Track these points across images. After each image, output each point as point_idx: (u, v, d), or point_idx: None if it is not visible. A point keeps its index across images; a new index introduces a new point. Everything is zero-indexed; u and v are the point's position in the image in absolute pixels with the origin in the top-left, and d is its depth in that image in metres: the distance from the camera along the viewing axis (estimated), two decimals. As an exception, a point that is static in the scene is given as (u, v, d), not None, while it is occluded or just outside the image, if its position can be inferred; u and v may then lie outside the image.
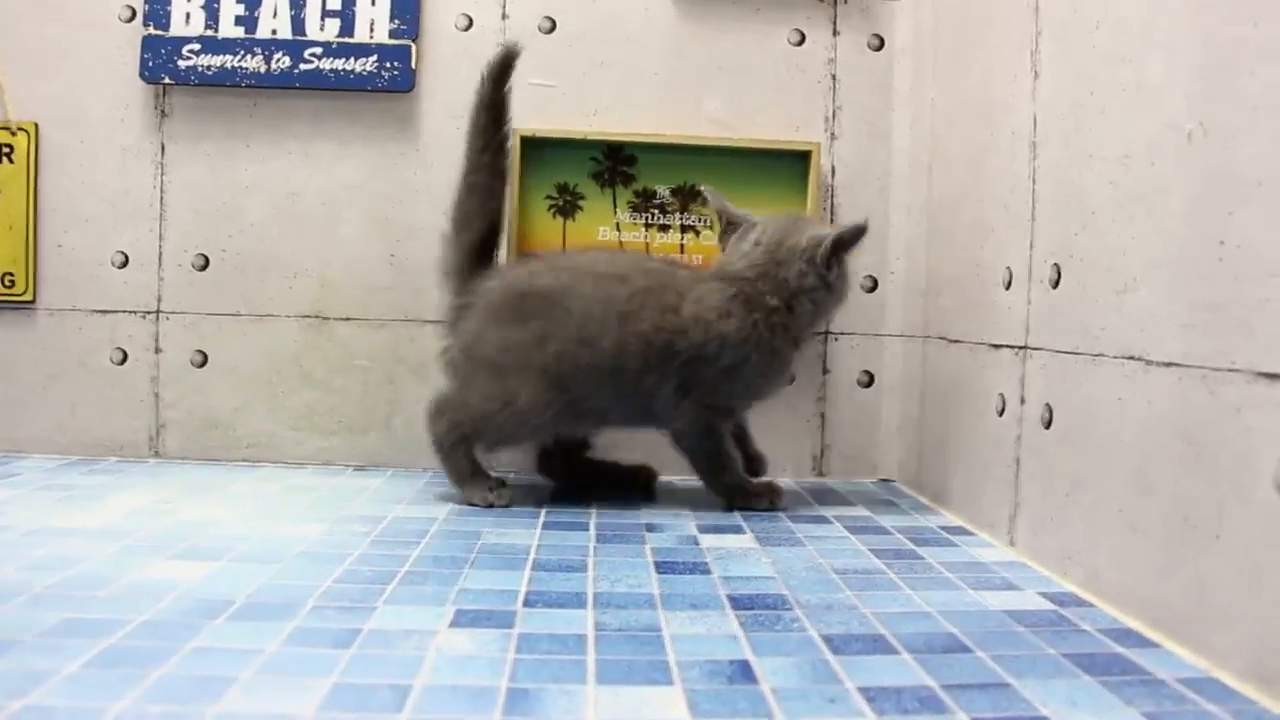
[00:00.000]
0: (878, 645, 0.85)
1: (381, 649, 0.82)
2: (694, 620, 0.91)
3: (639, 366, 1.31)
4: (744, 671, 0.79)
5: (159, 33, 1.53)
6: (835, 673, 0.79)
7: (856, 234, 1.31)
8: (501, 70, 1.41)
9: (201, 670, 0.76)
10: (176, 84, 1.54)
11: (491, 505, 1.35)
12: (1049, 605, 0.98)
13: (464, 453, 1.38)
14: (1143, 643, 0.87)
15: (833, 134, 1.59)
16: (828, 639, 0.87)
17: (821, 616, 0.93)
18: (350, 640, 0.84)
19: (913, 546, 1.20)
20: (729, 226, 1.40)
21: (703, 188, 1.46)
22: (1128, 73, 0.97)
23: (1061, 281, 1.09)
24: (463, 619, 0.90)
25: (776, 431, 1.60)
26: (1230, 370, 0.81)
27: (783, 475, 1.60)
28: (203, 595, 0.94)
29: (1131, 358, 0.95)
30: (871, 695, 0.75)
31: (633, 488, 1.48)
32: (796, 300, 1.33)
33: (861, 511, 1.39)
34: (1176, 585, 0.87)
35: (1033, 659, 0.83)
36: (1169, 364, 0.89)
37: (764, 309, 1.32)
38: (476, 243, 1.42)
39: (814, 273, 1.32)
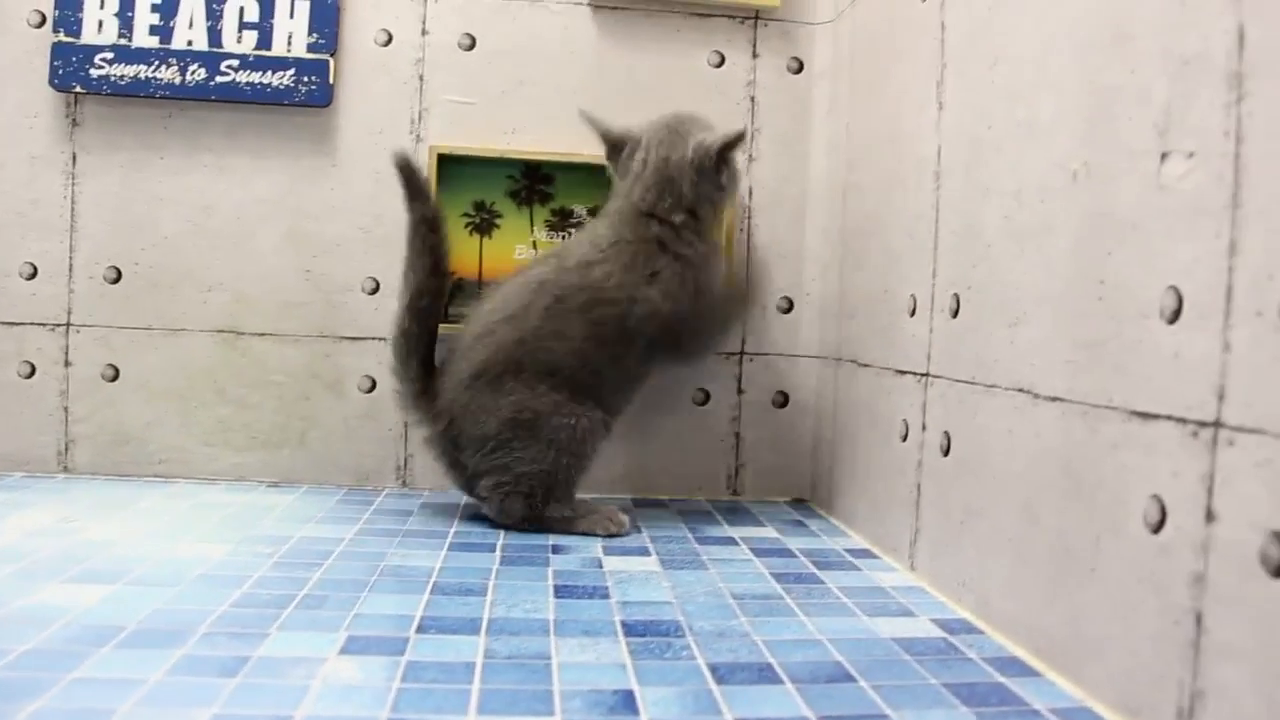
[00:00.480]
0: (763, 675, 0.86)
1: (268, 678, 0.82)
2: (585, 647, 0.91)
3: (605, 357, 1.36)
4: (626, 702, 0.79)
5: (70, 40, 1.50)
6: (717, 703, 0.80)
7: (738, 138, 1.39)
8: (409, 177, 1.39)
9: (78, 703, 0.75)
10: (88, 93, 1.52)
11: (615, 534, 1.35)
12: (939, 633, 0.99)
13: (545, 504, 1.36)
14: (1025, 672, 0.89)
15: (750, 155, 1.60)
16: (714, 668, 0.87)
17: (712, 644, 0.93)
18: (237, 669, 0.83)
19: (815, 570, 1.21)
20: (613, 148, 1.44)
21: (579, 109, 1.47)
22: (1022, 110, 0.99)
23: (960, 312, 1.11)
24: (354, 645, 0.90)
25: (692, 450, 1.61)
26: (1108, 408, 0.83)
27: (697, 493, 1.61)
28: (93, 621, 0.92)
29: (1021, 390, 0.97)
30: (747, 726, 0.76)
31: None
32: (698, 207, 1.38)
33: (770, 533, 1.40)
34: (1056, 616, 0.89)
35: (914, 689, 0.84)
36: (1054, 399, 0.91)
37: (672, 229, 1.37)
38: (425, 370, 1.41)
39: (706, 180, 1.38)
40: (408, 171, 1.37)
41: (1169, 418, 0.75)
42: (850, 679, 0.86)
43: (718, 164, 1.38)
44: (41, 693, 0.76)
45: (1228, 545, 0.69)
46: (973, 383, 1.07)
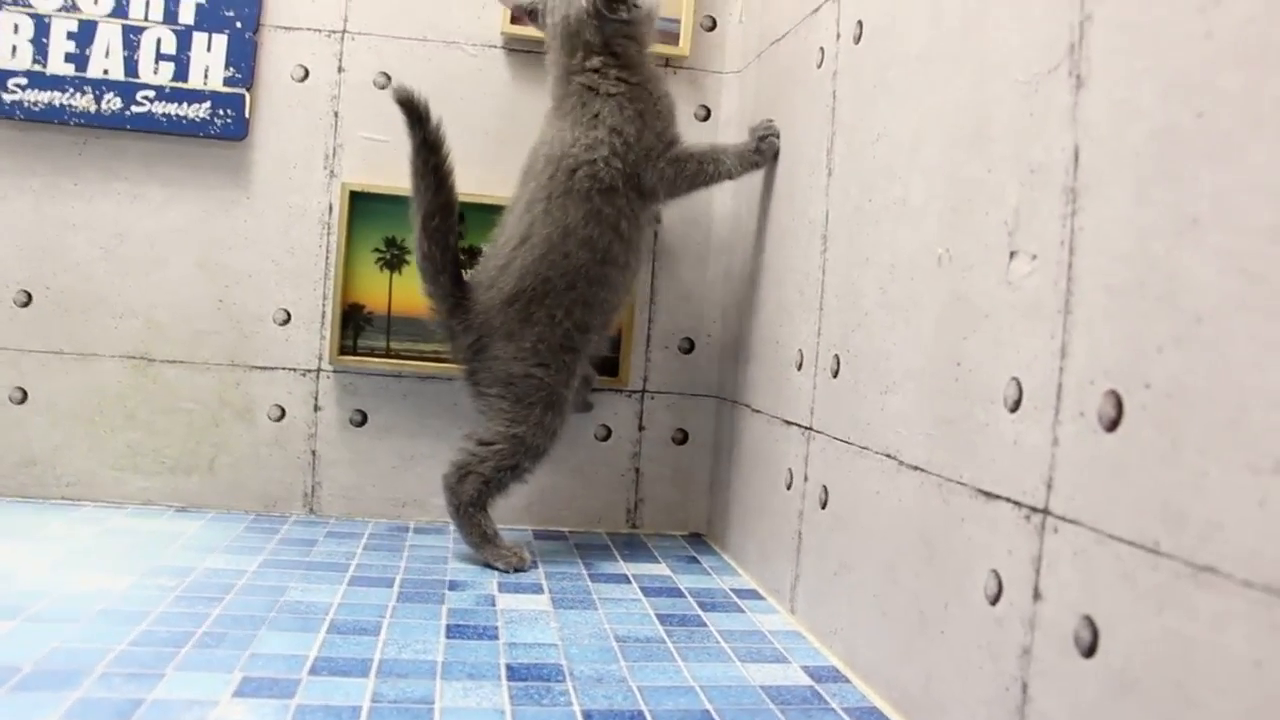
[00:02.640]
0: (632, 723, 0.91)
1: (160, 722, 0.85)
2: (469, 692, 0.96)
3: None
4: (501, 751, 0.84)
5: (-14, 65, 1.51)
6: (586, 753, 0.85)
7: None
8: (410, 110, 1.43)
9: (-35, 752, 0.78)
10: (1, 118, 1.53)
11: (518, 569, 1.40)
12: (808, 681, 1.05)
13: (485, 515, 1.43)
14: (881, 722, 0.95)
15: (658, 199, 1.65)
16: (588, 715, 0.92)
17: (590, 690, 0.98)
18: (130, 712, 0.86)
19: (699, 612, 1.27)
20: (530, 16, 1.52)
21: None
22: (898, 189, 1.05)
23: (840, 372, 1.17)
24: (246, 687, 0.93)
25: (593, 484, 1.66)
26: (959, 483, 0.89)
27: (597, 526, 1.66)
28: (-11, 661, 0.94)
29: (889, 455, 1.03)
30: (610, 780, 0.80)
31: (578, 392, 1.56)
32: (613, 45, 1.43)
33: (663, 570, 1.46)
34: (912, 671, 0.95)
35: (774, 739, 0.90)
36: (915, 467, 0.97)
37: (595, 74, 1.43)
38: (456, 284, 1.47)
39: (607, 21, 1.42)
40: (406, 100, 1.41)
41: (1008, 499, 0.82)
42: (716, 729, 0.91)
43: (610, 5, 1.41)
44: (-67, 740, 0.78)
45: (1050, 623, 0.75)
46: (848, 442, 1.13)
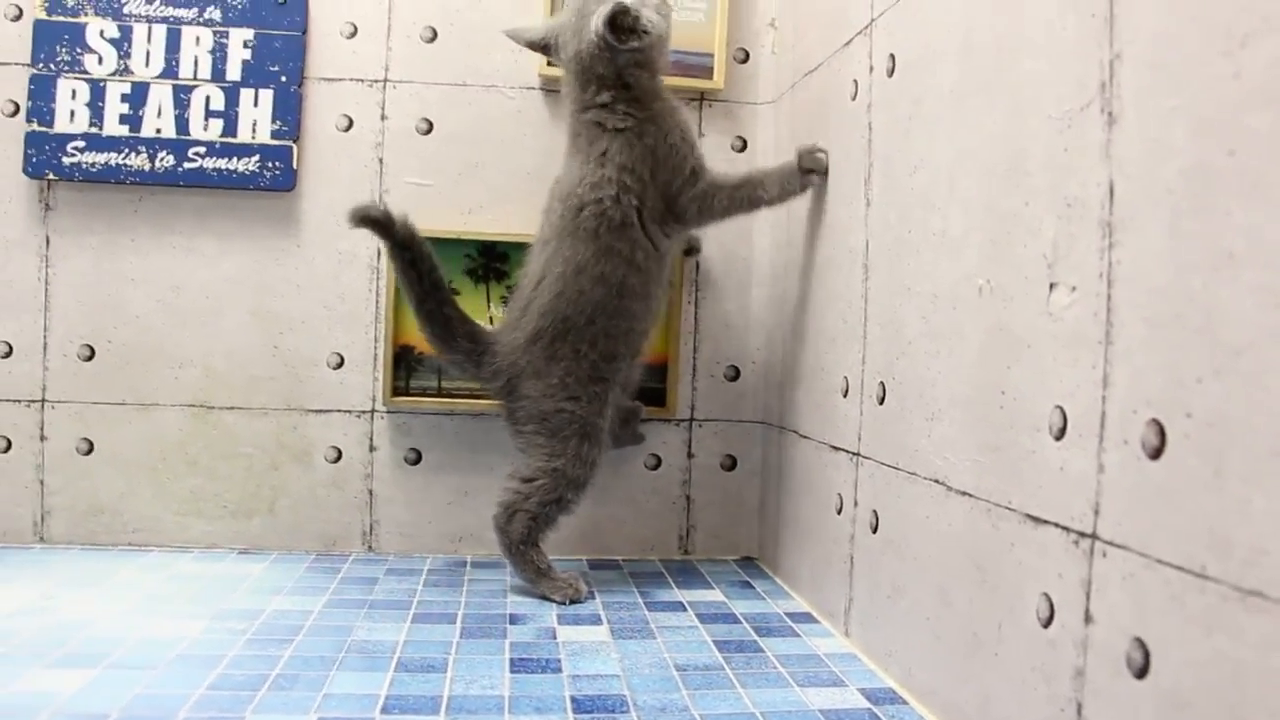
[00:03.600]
0: (699, 753, 0.94)
1: (245, 766, 0.89)
2: (537, 727, 0.99)
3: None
4: (573, 785, 0.87)
5: (43, 129, 1.57)
6: (655, 784, 0.87)
7: (617, 8, 1.39)
8: (374, 224, 1.45)
9: (65, 801, 0.81)
10: (61, 179, 1.58)
11: (574, 600, 1.43)
12: (865, 703, 1.07)
13: (536, 551, 1.46)
14: (940, 743, 0.97)
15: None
16: (655, 746, 0.95)
17: (654, 719, 1.01)
18: (217, 757, 0.90)
19: (756, 638, 1.29)
20: (544, 51, 1.53)
21: (504, 30, 1.55)
22: (937, 220, 1.08)
23: (886, 399, 1.19)
24: (324, 730, 0.97)
25: (645, 512, 1.69)
26: (1007, 508, 0.91)
27: (650, 554, 1.69)
28: (78, 710, 0.98)
29: (937, 481, 1.05)
30: (680, 811, 0.83)
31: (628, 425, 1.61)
32: (625, 77, 1.43)
33: (717, 595, 1.48)
34: (968, 693, 0.97)
35: (836, 765, 0.92)
36: (964, 493, 0.99)
37: (604, 109, 1.44)
38: (470, 339, 1.50)
39: (618, 53, 1.41)
40: (364, 219, 1.44)
41: (1056, 524, 0.84)
42: (780, 757, 0.94)
43: (619, 34, 1.40)
44: (34, 789, 0.82)
45: (1102, 645, 0.77)
46: (897, 468, 1.15)
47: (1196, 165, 0.69)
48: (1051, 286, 0.86)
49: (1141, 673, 0.73)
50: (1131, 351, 0.76)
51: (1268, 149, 0.63)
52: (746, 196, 1.45)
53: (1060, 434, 0.84)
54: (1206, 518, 0.67)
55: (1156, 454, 0.72)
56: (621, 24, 1.39)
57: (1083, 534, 0.80)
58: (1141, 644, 0.73)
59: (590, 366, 1.45)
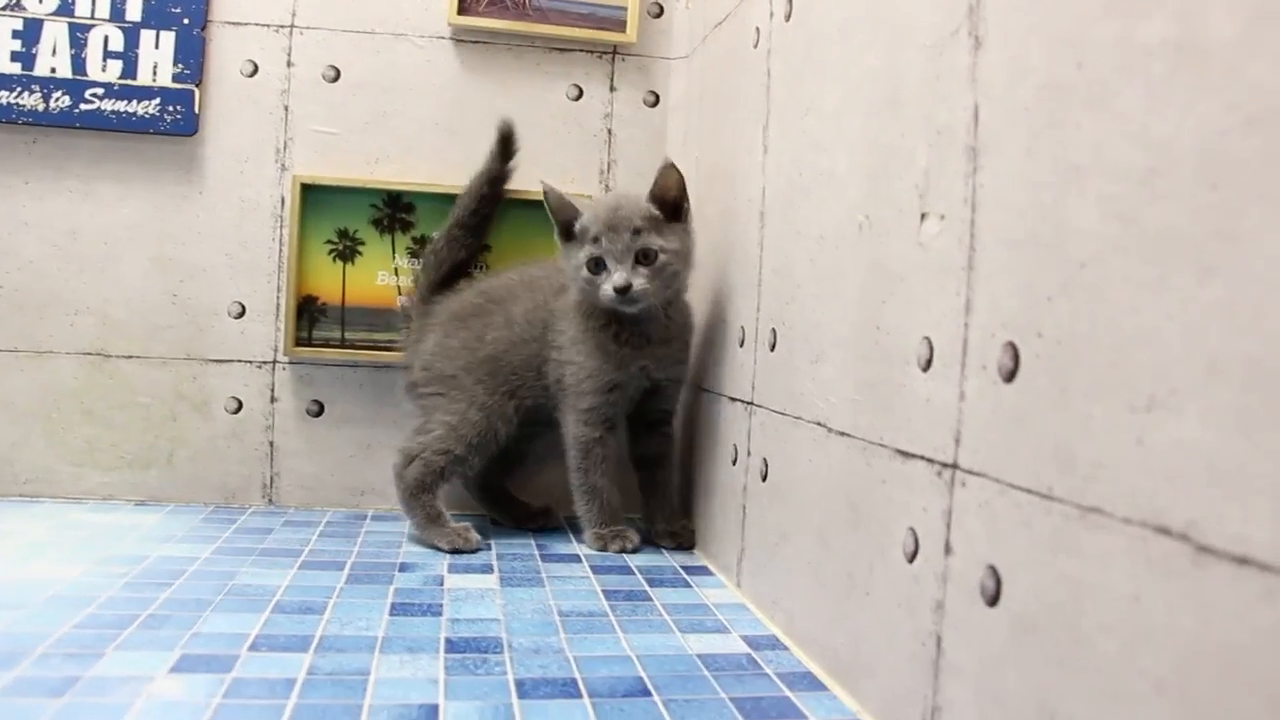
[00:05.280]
0: (565, 689, 0.92)
1: (94, 696, 0.86)
2: (404, 664, 0.97)
3: None
4: (429, 715, 0.85)
5: (-67, 64, 1.52)
6: (514, 716, 0.86)
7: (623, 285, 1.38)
8: (504, 144, 1.55)
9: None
10: (-48, 118, 1.53)
11: (460, 550, 1.41)
12: (745, 649, 1.06)
13: (430, 497, 1.46)
14: (814, 686, 0.97)
15: (607, 186, 1.67)
16: (521, 683, 0.93)
17: (526, 660, 0.99)
18: (65, 688, 0.87)
19: (646, 588, 1.28)
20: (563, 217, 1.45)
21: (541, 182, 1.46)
22: (825, 160, 1.07)
23: (777, 346, 1.18)
24: (184, 664, 0.94)
25: (552, 469, 1.66)
26: (880, 445, 0.90)
27: (560, 512, 1.67)
28: (-72, 645, 0.95)
29: (819, 424, 1.04)
30: (534, 740, 0.82)
31: (536, 520, 1.60)
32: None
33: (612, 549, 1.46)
34: (843, 634, 0.96)
35: (704, 704, 0.91)
36: (842, 433, 0.98)
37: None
38: (436, 281, 1.58)
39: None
40: (506, 135, 1.57)
41: (922, 458, 0.83)
42: (646, 693, 0.92)
43: (624, 299, 1.38)
44: None
45: (959, 576, 0.76)
46: (784, 414, 1.14)
47: (1049, 82, 0.69)
48: (923, 217, 0.85)
49: (994, 600, 0.72)
50: (991, 275, 0.75)
51: (1112, 59, 0.63)
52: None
53: (927, 365, 0.83)
54: (1053, 437, 0.66)
55: (1010, 377, 0.71)
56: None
57: (945, 464, 0.79)
58: (994, 571, 0.72)
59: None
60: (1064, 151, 0.67)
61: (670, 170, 1.38)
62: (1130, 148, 0.61)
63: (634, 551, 1.45)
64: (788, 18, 1.20)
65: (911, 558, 0.84)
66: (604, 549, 1.45)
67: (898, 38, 0.91)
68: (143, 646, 0.98)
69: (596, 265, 1.38)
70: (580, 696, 0.91)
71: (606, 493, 1.48)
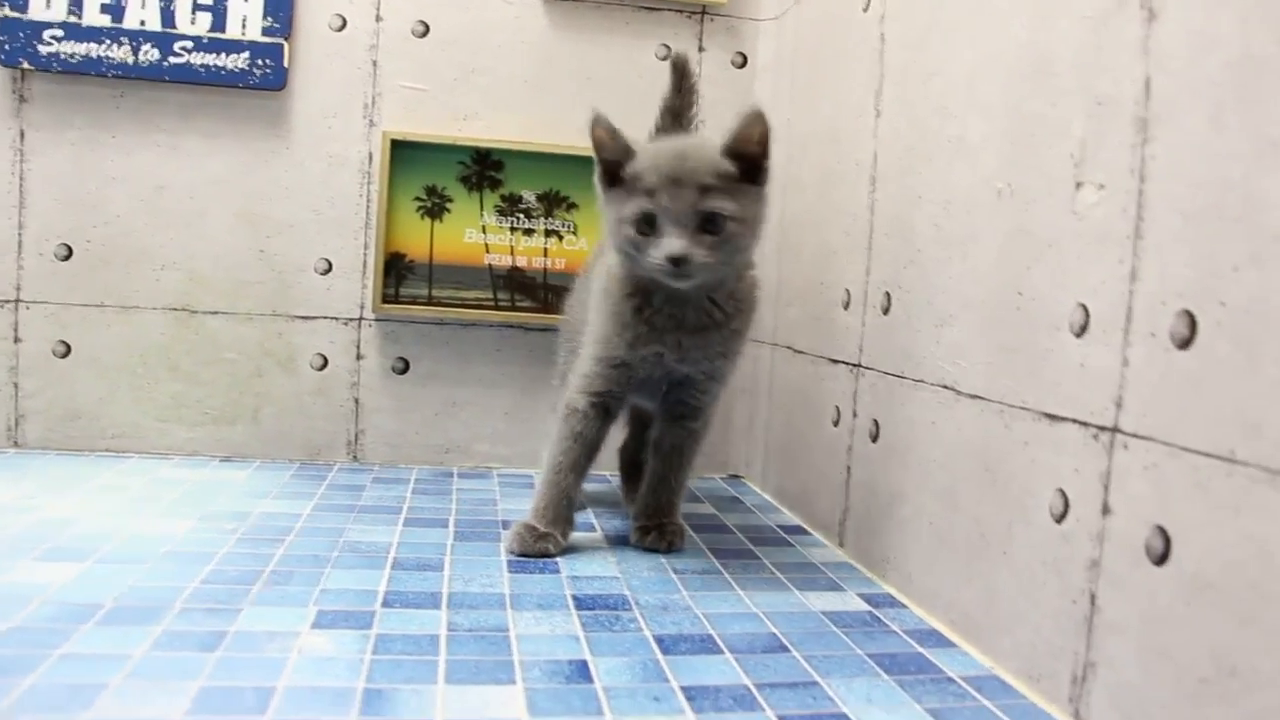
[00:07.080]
0: (705, 645, 0.94)
1: (246, 651, 0.87)
2: (540, 620, 0.99)
3: None
4: (581, 671, 0.87)
5: (16, 15, 1.51)
6: (663, 672, 0.87)
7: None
8: (680, 74, 1.40)
9: (72, 677, 0.80)
10: (36, 69, 1.53)
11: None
12: (865, 606, 1.08)
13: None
14: (942, 643, 0.98)
15: (692, 147, 1.67)
16: (660, 639, 0.95)
17: (657, 617, 1.01)
18: (216, 643, 0.88)
19: (750, 546, 1.29)
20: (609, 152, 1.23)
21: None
22: (953, 127, 1.07)
23: (892, 308, 1.19)
24: (324, 620, 0.96)
25: (633, 428, 1.68)
26: (1021, 408, 0.92)
27: (637, 470, 1.69)
28: (71, 599, 0.97)
29: (945, 386, 1.05)
30: (692, 694, 0.83)
31: None
32: None
33: (707, 509, 1.48)
34: (972, 593, 0.98)
35: (841, 659, 0.93)
36: (974, 396, 1.00)
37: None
38: None
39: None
40: (680, 64, 1.39)
41: (1074, 421, 0.84)
42: (784, 649, 0.94)
43: (678, 270, 1.13)
44: (32, 669, 0.81)
45: (1120, 535, 0.78)
46: (901, 376, 1.15)
47: (1242, 56, 0.69)
48: (1078, 185, 0.86)
49: (1161, 559, 0.73)
50: (1162, 245, 0.76)
51: (1322, 32, 0.63)
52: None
53: (1081, 331, 0.84)
54: (1237, 403, 0.68)
55: (1185, 344, 0.72)
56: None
57: (1102, 428, 0.81)
58: (1163, 531, 0.73)
59: None
60: (1257, 125, 0.67)
61: (756, 118, 1.13)
62: (1341, 121, 0.61)
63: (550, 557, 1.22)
64: (904, -19, 1.20)
65: (1060, 518, 0.85)
66: (513, 549, 1.21)
67: (1049, 8, 0.91)
68: (277, 603, 1.00)
69: (647, 223, 1.13)
70: (722, 652, 0.93)
71: (568, 487, 1.24)
